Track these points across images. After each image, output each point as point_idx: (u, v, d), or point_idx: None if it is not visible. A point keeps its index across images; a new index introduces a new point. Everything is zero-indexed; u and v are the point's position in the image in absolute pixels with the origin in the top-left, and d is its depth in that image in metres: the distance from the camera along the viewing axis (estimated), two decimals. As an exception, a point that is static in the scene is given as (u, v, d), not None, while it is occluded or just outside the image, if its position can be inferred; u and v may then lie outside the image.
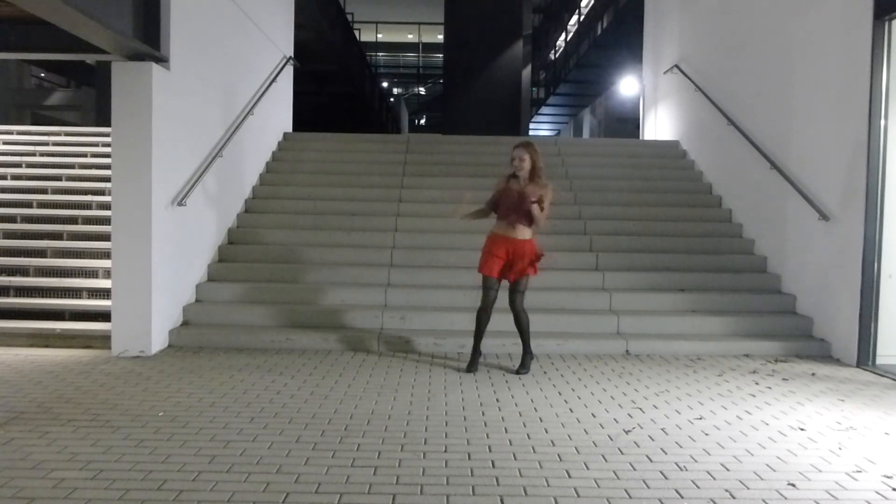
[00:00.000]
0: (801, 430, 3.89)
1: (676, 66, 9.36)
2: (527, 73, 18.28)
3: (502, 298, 5.06)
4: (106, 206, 7.16)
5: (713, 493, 3.01)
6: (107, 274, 6.13)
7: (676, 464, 3.34)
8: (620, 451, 3.49)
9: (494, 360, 5.45)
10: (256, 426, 3.77)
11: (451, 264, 6.72)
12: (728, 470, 3.27)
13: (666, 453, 3.48)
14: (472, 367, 5.11)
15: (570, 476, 3.17)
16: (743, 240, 7.39)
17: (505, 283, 5.06)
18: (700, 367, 5.37)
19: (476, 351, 5.18)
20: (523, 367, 5.10)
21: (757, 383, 4.90)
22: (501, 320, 5.31)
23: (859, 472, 3.29)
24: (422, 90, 38.22)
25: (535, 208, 4.77)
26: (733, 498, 2.97)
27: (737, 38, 7.80)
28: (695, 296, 6.47)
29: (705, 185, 8.44)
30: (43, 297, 6.23)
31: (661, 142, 9.99)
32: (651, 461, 3.37)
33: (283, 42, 9.25)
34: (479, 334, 5.13)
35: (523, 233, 4.91)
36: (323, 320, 6.08)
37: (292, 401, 4.25)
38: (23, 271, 6.53)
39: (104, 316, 5.77)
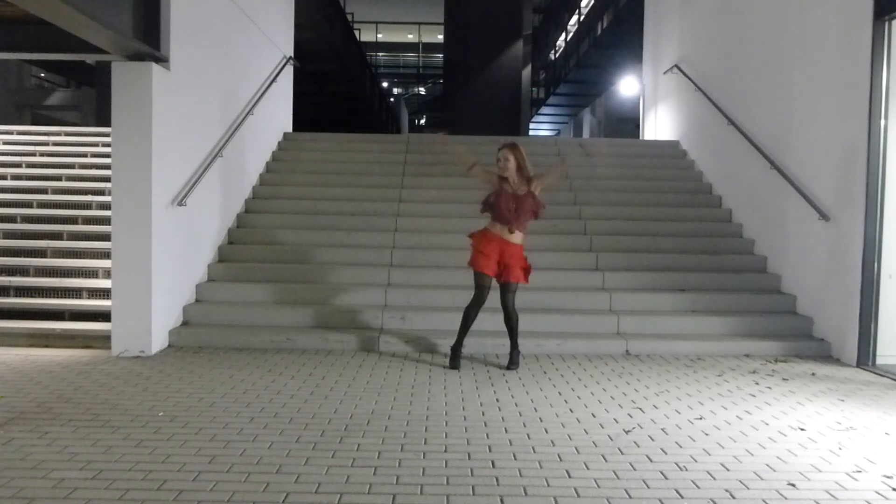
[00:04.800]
0: (801, 430, 3.89)
1: (676, 66, 9.36)
2: (527, 73, 18.31)
3: (492, 298, 5.13)
4: (106, 206, 7.16)
5: (713, 493, 3.01)
6: (107, 274, 6.13)
7: (676, 464, 3.34)
8: (620, 451, 3.49)
9: (495, 359, 5.45)
10: (256, 426, 3.77)
11: (451, 264, 6.70)
12: (728, 470, 3.27)
13: (666, 453, 3.48)
14: (455, 363, 5.15)
15: (570, 476, 3.17)
16: (743, 240, 7.38)
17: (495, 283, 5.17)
18: (700, 367, 5.37)
19: (459, 347, 5.21)
20: (513, 364, 5.17)
21: (757, 383, 4.90)
22: (500, 320, 5.30)
23: (859, 472, 3.29)
24: (422, 90, 38.25)
25: (553, 175, 5.35)
26: (733, 498, 2.97)
27: (737, 37, 7.80)
28: (695, 296, 6.47)
29: (705, 185, 8.44)
30: (43, 297, 6.23)
31: (661, 142, 9.99)
32: (651, 461, 3.37)
33: (283, 42, 9.25)
34: (465, 331, 5.19)
35: (517, 237, 5.08)
36: (323, 320, 6.08)
37: (292, 401, 4.26)
38: (23, 271, 6.53)
39: (104, 316, 5.77)
